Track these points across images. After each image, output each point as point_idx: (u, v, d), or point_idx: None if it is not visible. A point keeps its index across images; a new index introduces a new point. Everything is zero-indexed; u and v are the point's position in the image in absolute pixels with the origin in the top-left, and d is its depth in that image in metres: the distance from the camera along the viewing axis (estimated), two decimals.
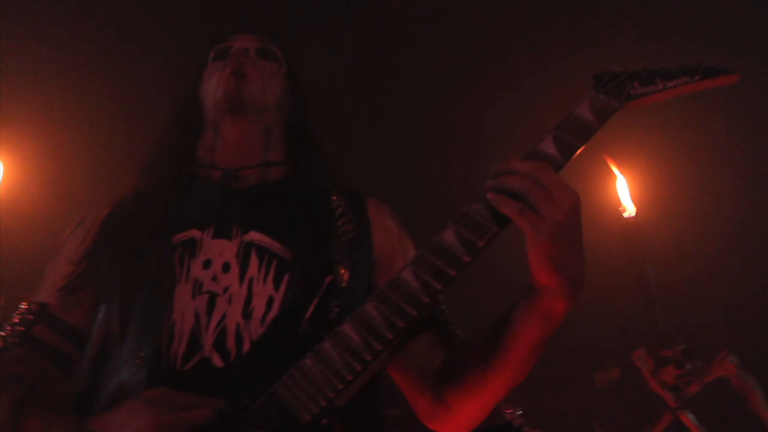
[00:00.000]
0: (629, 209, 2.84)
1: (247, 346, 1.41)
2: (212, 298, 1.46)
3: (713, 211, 3.09)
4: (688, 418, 2.46)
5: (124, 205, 1.65)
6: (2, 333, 1.52)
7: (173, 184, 1.67)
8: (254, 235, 1.54)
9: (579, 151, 1.30)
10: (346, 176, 1.79)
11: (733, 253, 3.03)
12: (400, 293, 1.25)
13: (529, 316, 1.31)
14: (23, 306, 1.55)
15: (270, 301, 1.46)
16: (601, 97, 1.33)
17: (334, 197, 1.66)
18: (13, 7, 3.13)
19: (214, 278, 1.48)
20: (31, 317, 1.52)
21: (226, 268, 1.50)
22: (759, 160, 3.07)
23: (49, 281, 1.58)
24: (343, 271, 1.51)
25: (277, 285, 1.48)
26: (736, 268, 3.01)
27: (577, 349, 2.80)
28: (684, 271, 2.98)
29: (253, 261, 1.51)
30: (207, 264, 1.50)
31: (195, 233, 1.54)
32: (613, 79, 1.36)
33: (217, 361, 1.40)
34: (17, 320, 1.53)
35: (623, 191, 2.90)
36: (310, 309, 1.44)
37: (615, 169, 2.88)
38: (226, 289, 1.47)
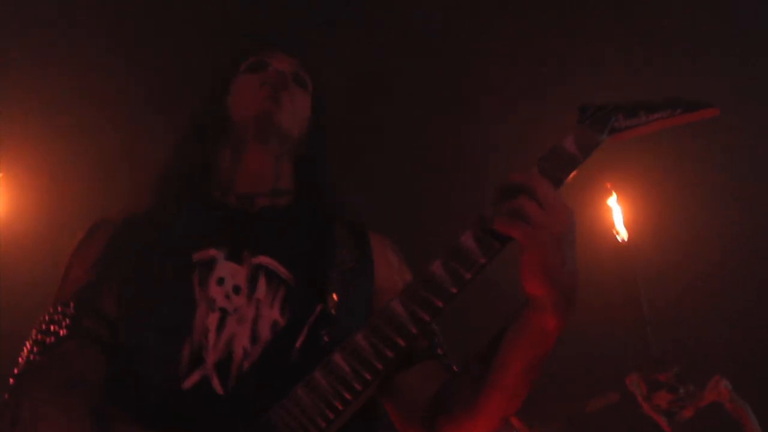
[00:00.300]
0: (622, 233, 2.87)
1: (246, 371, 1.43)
2: (224, 314, 1.47)
3: (705, 235, 3.12)
4: None
5: (141, 216, 1.65)
6: (48, 327, 1.50)
7: (190, 200, 1.67)
8: (264, 259, 1.55)
9: (564, 184, 1.30)
10: (351, 207, 1.80)
11: (725, 276, 3.05)
12: (389, 324, 1.27)
13: (521, 334, 1.31)
14: (61, 303, 1.53)
15: (274, 326, 1.48)
16: (586, 130, 1.34)
17: (338, 228, 1.67)
18: (11, 33, 3.15)
19: (227, 296, 1.50)
20: (75, 309, 1.50)
21: (236, 290, 1.51)
22: (748, 186, 3.10)
23: (75, 279, 1.56)
24: (335, 299, 1.51)
25: (282, 310, 1.50)
26: (728, 291, 3.03)
27: (572, 373, 2.81)
28: (676, 293, 2.99)
29: (262, 284, 1.52)
30: (220, 281, 1.52)
31: (212, 252, 1.55)
32: (598, 111, 1.37)
33: (216, 383, 1.41)
34: (60, 316, 1.51)
35: (617, 215, 2.93)
36: (301, 337, 1.44)
37: (611, 192, 2.91)
38: (236, 309, 1.48)
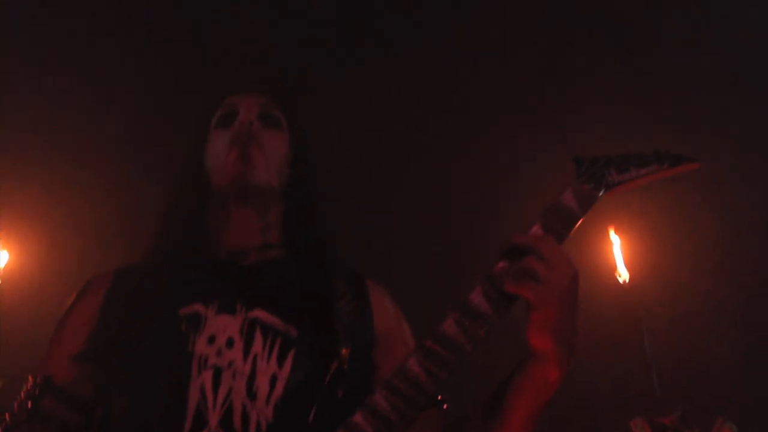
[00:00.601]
0: (623, 274, 2.88)
1: (253, 426, 1.42)
2: (217, 372, 1.46)
3: (706, 275, 3.12)
4: None
5: (130, 276, 1.66)
6: (10, 411, 1.51)
7: (179, 258, 1.67)
8: (259, 313, 1.54)
9: (566, 238, 1.35)
10: (345, 253, 1.79)
11: (728, 316, 3.05)
12: (406, 382, 1.29)
13: (525, 386, 1.35)
14: (30, 380, 1.54)
15: (273, 380, 1.47)
16: (583, 186, 1.39)
17: (335, 278, 1.68)
18: (9, 95, 3.20)
19: (219, 353, 1.48)
20: (38, 391, 1.52)
21: (230, 343, 1.50)
22: (749, 227, 3.12)
23: (56, 351, 1.58)
24: (345, 353, 1.51)
25: (281, 363, 1.49)
26: (731, 332, 3.03)
27: (574, 416, 2.80)
28: (679, 334, 2.99)
29: (258, 338, 1.51)
30: (211, 339, 1.50)
31: (199, 308, 1.54)
32: (592, 165, 1.42)
33: None
34: (24, 395, 1.52)
35: (618, 256, 2.94)
36: (318, 395, 1.45)
37: (613, 234, 2.93)
38: (230, 364, 1.47)
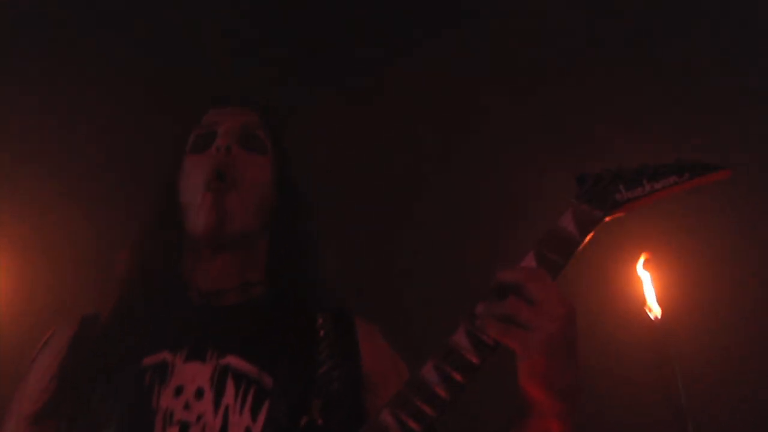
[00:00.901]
0: (655, 310, 2.68)
1: None
2: (184, 428, 1.35)
3: (751, 312, 2.89)
4: None
5: (94, 325, 1.58)
6: None
7: (148, 300, 1.57)
8: (231, 359, 1.44)
9: (563, 268, 1.20)
10: (332, 290, 1.68)
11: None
12: None
13: None
14: None
15: None
16: (584, 207, 1.23)
17: (320, 318, 1.57)
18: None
19: (186, 406, 1.38)
20: None
21: (199, 394, 1.40)
22: None
23: (15, 411, 1.52)
24: (321, 407, 1.41)
25: (254, 415, 1.38)
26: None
27: None
28: (718, 380, 2.77)
29: (230, 387, 1.40)
30: (178, 391, 1.40)
31: (167, 356, 1.44)
32: (597, 182, 1.25)
33: None
34: None
35: (648, 290, 2.75)
36: None
37: (642, 265, 2.74)
38: (199, 418, 1.36)
